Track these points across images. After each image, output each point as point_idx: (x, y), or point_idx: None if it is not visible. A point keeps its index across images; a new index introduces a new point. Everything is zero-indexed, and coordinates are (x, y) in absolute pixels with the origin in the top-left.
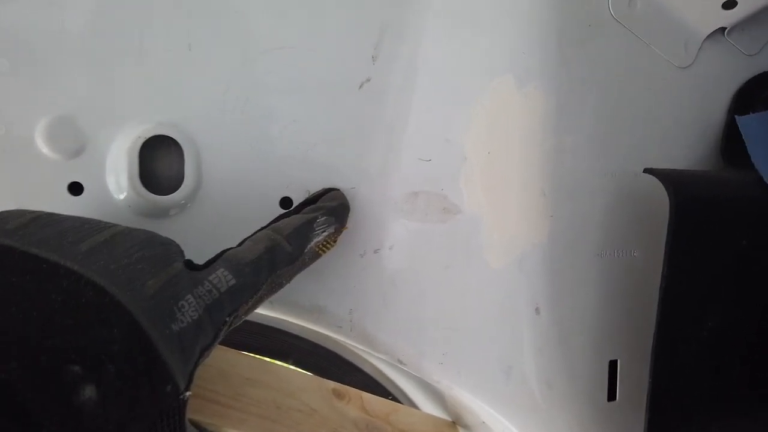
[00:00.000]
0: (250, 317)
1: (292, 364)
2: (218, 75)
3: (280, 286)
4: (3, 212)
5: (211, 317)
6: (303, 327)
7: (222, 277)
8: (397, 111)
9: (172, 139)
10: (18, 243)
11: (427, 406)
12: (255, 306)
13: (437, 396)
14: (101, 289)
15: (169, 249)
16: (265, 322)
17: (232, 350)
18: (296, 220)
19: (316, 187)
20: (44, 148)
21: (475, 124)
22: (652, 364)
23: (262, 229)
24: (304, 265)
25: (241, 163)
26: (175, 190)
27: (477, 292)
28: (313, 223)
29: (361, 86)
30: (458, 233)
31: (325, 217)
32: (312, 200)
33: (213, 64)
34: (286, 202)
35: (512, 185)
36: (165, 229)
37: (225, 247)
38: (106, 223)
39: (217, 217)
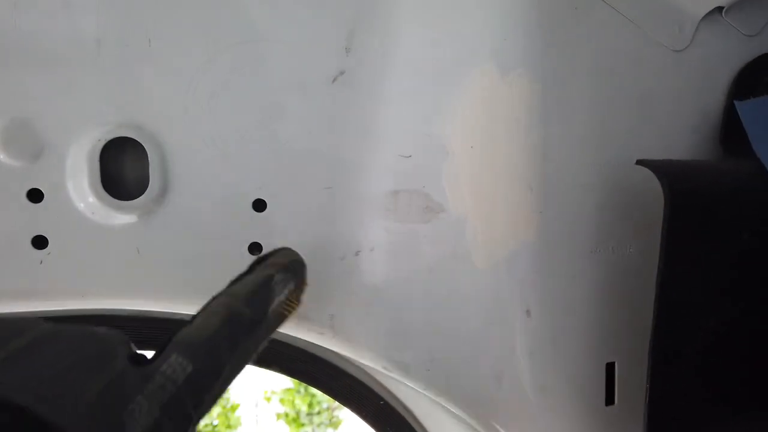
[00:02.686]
0: None
1: (276, 371)
2: (181, 71)
3: (247, 359)
4: None
5: (171, 416)
6: (285, 333)
7: (176, 365)
8: (374, 105)
9: (135, 140)
10: None
11: (422, 409)
12: (223, 389)
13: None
14: (22, 409)
15: (106, 346)
16: None
17: None
18: (252, 281)
19: (290, 186)
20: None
21: (457, 117)
22: (649, 367)
23: (215, 298)
24: (270, 330)
25: (210, 164)
26: (141, 195)
27: (464, 294)
28: (270, 282)
29: (334, 80)
30: (442, 233)
31: (281, 275)
32: (262, 260)
33: (175, 59)
34: (259, 204)
35: (498, 181)
36: (132, 236)
37: (197, 254)
38: (29, 320)
39: (186, 221)
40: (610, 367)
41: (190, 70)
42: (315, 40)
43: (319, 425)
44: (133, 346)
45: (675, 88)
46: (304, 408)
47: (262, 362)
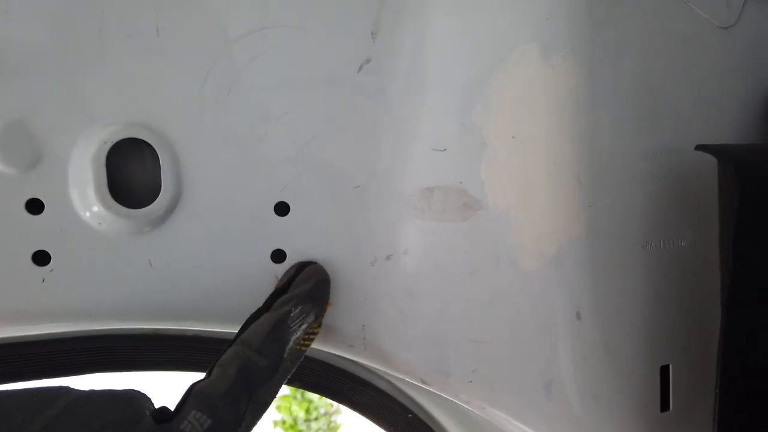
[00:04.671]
0: None
1: (295, 386)
2: (194, 63)
3: (267, 405)
4: None
5: None
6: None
7: (195, 422)
8: (404, 95)
9: (144, 142)
10: None
11: (452, 425)
12: None
13: (464, 414)
14: None
15: (131, 405)
16: None
17: None
18: (266, 323)
19: (315, 186)
20: None
21: (496, 105)
22: (719, 369)
23: (230, 344)
24: (288, 372)
25: (227, 165)
26: (152, 201)
27: (508, 298)
28: (286, 321)
29: (360, 68)
30: (482, 232)
31: (299, 308)
32: (282, 289)
33: (186, 50)
34: (282, 207)
35: (542, 173)
36: (143, 247)
37: (215, 265)
38: (57, 389)
39: (203, 229)
40: (664, 371)
41: (203, 61)
42: (338, 25)
43: (317, 431)
44: (152, 402)
45: (723, 68)
46: (301, 414)
47: None
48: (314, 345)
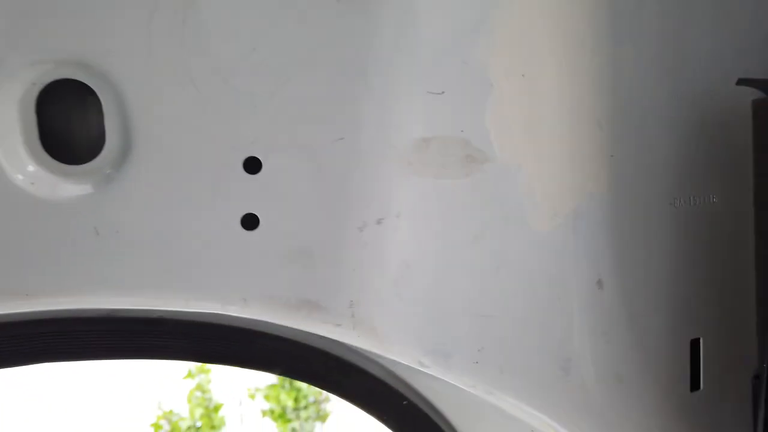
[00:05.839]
0: (220, 319)
1: (279, 374)
2: None
3: None
4: None
5: None
6: (292, 328)
7: None
8: (393, 27)
9: (83, 84)
10: None
11: (453, 412)
12: None
13: (468, 399)
14: None
15: None
16: (241, 325)
17: None
18: None
19: (291, 138)
20: None
21: (501, 37)
22: (761, 341)
23: None
24: None
25: (185, 112)
26: (95, 157)
27: (518, 265)
28: None
29: None
30: (488, 189)
31: None
32: None
33: None
34: (252, 163)
35: (557, 117)
36: (87, 211)
37: (173, 232)
38: None
39: (157, 189)
40: (695, 345)
41: None
42: None
43: (306, 419)
44: None
45: None
46: (290, 403)
47: (263, 364)
48: (296, 326)
